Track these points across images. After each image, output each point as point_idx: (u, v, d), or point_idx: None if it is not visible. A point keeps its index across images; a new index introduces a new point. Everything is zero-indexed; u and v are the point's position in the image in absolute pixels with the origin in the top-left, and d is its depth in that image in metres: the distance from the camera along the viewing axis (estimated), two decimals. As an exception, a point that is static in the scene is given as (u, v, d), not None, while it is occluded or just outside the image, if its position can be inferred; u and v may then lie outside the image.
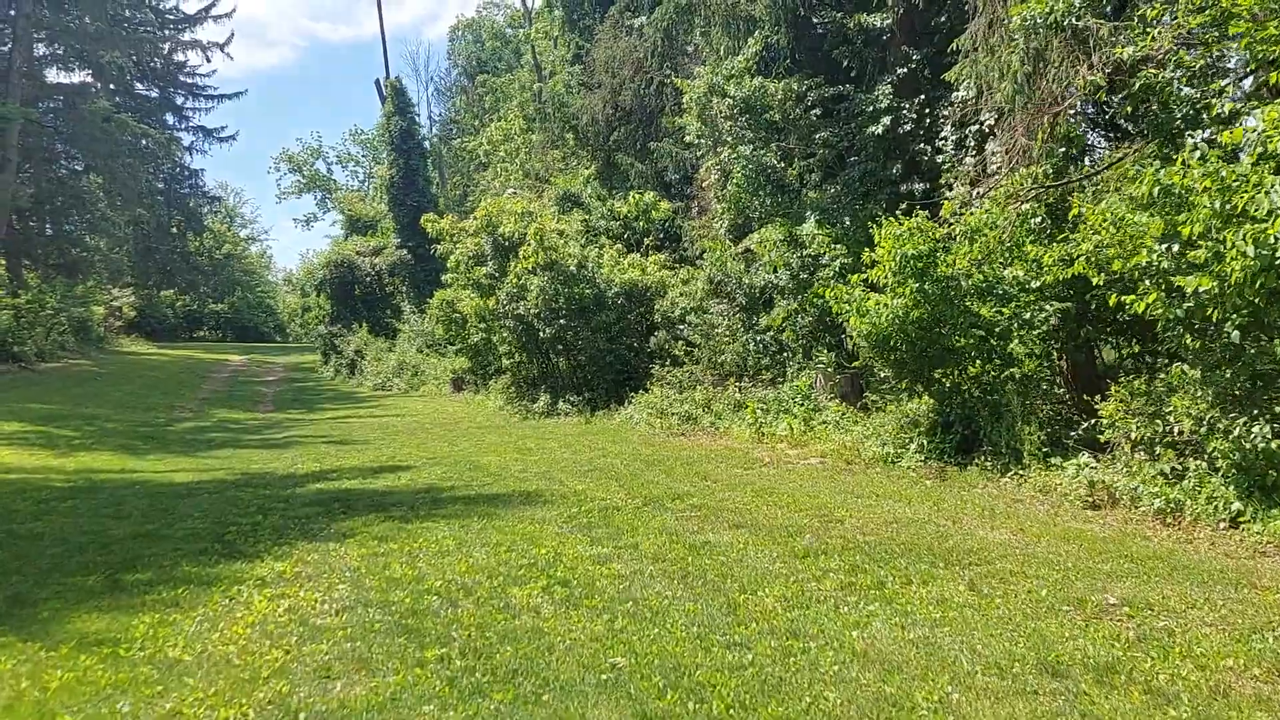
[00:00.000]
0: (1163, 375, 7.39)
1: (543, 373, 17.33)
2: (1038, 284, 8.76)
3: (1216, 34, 6.62)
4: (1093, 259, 7.33)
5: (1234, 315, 6.09)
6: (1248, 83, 7.35)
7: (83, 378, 23.67)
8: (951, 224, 9.35)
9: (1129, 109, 7.70)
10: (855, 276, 9.70)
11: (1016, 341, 8.78)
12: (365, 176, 60.15)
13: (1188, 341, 6.80)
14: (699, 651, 3.97)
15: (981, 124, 10.78)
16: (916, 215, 9.19)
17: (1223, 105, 6.52)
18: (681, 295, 15.66)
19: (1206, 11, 6.54)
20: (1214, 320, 6.17)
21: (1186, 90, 7.27)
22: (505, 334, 17.19)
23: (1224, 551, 5.61)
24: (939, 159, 12.10)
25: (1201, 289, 6.04)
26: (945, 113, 12.04)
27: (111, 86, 36.61)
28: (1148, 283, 6.76)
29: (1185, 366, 6.92)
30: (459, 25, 54.22)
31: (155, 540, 6.38)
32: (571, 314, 15.76)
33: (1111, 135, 10.88)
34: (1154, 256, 6.52)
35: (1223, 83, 6.94)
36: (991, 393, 8.84)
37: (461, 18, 60.80)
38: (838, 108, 13.89)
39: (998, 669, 3.70)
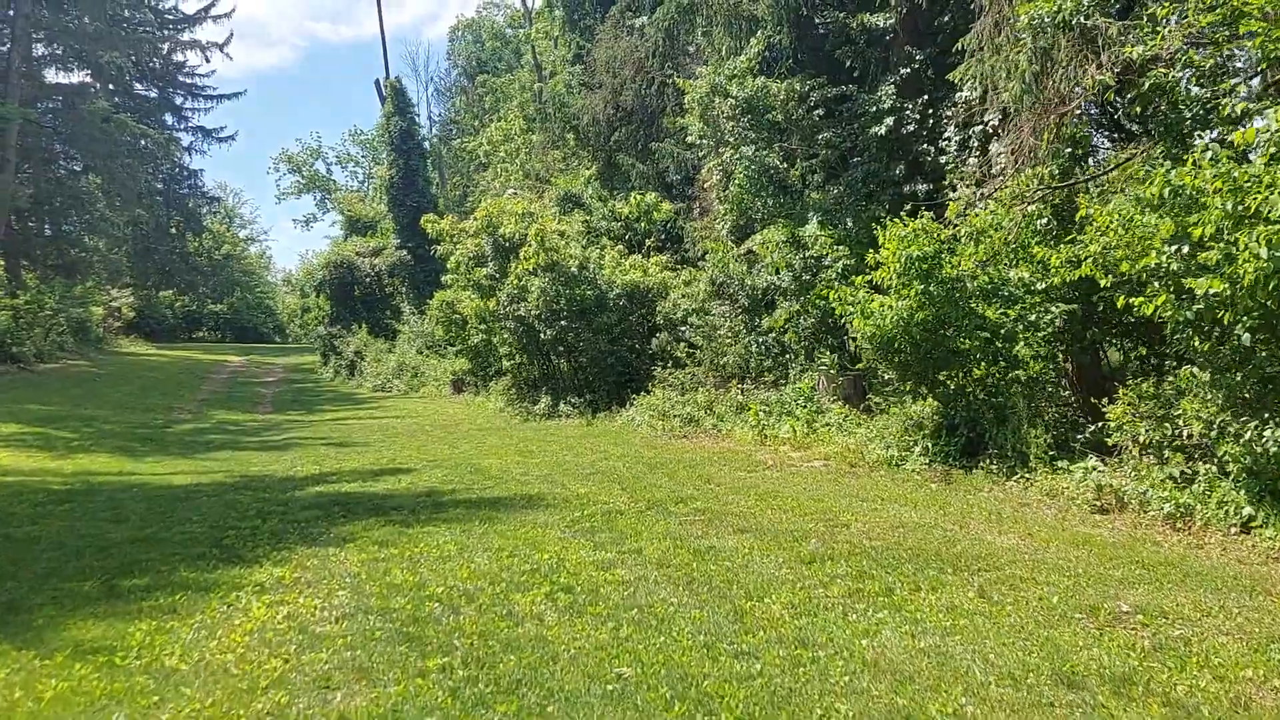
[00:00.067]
0: (1171, 378, 7.33)
1: (544, 374, 17.25)
2: (1043, 286, 8.70)
3: (1227, 33, 6.55)
4: (1100, 260, 7.25)
5: (1245, 318, 6.01)
6: (1256, 82, 7.28)
7: (81, 378, 23.59)
8: (956, 225, 9.29)
9: (1138, 109, 7.63)
10: (859, 278, 9.63)
11: (1022, 344, 8.72)
12: (365, 177, 60.09)
13: (1196, 344, 6.73)
14: (706, 661, 3.90)
15: (985, 125, 10.71)
16: (921, 216, 9.12)
17: (1234, 105, 6.44)
18: (683, 297, 15.59)
19: (1217, 10, 6.47)
20: (1225, 323, 6.09)
21: (1196, 90, 7.19)
22: (506, 335, 17.11)
23: (1236, 557, 5.54)
24: (942, 160, 12.03)
25: (1212, 291, 5.97)
26: (949, 113, 11.97)
27: (110, 87, 36.53)
28: (1157, 284, 6.69)
29: (1195, 369, 6.84)
30: (459, 25, 54.21)
31: (153, 544, 6.30)
32: (573, 315, 15.68)
33: (1116, 136, 10.81)
34: (1163, 258, 6.44)
35: (1233, 82, 6.86)
36: (997, 395, 8.77)
37: (461, 18, 60.77)
38: (840, 108, 13.82)
39: (1012, 679, 3.62)
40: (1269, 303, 5.80)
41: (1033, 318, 8.70)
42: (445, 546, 6.02)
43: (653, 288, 16.28)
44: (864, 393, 11.57)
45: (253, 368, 32.02)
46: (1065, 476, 7.60)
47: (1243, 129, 6.39)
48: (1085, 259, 7.41)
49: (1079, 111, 8.86)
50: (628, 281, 16.30)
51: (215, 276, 49.20)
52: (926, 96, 12.64)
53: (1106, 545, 5.83)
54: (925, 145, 12.64)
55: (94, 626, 4.48)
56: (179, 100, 41.57)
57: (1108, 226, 7.06)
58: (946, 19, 12.46)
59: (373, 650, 4.09)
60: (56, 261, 33.26)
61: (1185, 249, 6.27)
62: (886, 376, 10.41)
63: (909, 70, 12.80)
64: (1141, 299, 6.78)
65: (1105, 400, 7.78)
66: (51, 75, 34.15)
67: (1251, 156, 6.24)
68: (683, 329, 15.16)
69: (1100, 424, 7.84)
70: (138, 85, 40.09)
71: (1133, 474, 7.05)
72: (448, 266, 19.23)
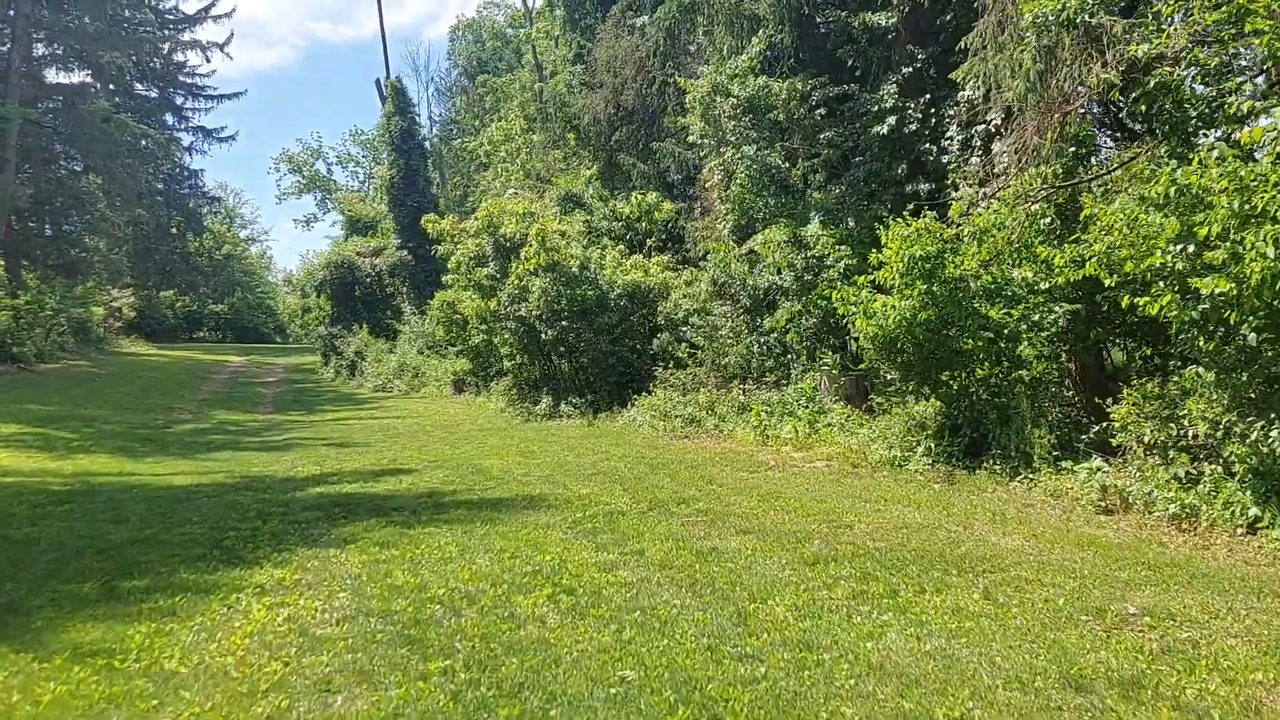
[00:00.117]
0: (1176, 378, 7.29)
1: (545, 375, 17.21)
2: (1047, 285, 8.66)
3: (1233, 31, 6.51)
4: (1104, 260, 7.22)
5: (1251, 317, 5.98)
6: (1261, 80, 7.24)
7: (82, 379, 23.57)
8: (959, 225, 9.25)
9: (1143, 108, 7.59)
10: (862, 278, 9.59)
11: (1025, 344, 8.68)
12: (365, 177, 60.05)
13: (1201, 344, 6.69)
14: (710, 664, 3.86)
15: (988, 124, 10.68)
16: (924, 216, 9.08)
17: (1240, 104, 6.40)
18: (685, 297, 15.55)
19: (1222, 8, 6.44)
20: (1231, 323, 6.06)
21: (1200, 88, 7.16)
22: (507, 335, 17.08)
23: (1243, 559, 5.50)
24: (944, 159, 12.00)
25: (1218, 291, 5.93)
26: (951, 112, 11.94)
27: (111, 87, 36.50)
28: (1162, 284, 6.66)
29: (1200, 369, 6.80)
30: (459, 25, 54.16)
31: (153, 546, 6.26)
32: (574, 315, 15.65)
33: (1118, 136, 10.78)
34: (1169, 257, 6.41)
35: (1238, 80, 6.82)
36: (1000, 395, 8.74)
37: (462, 17, 60.77)
38: (842, 107, 13.79)
39: (1019, 683, 3.59)
40: (1276, 302, 5.77)
41: (1036, 317, 8.66)
42: (447, 548, 5.98)
43: (654, 288, 16.25)
44: (866, 393, 11.54)
45: (253, 368, 32.00)
46: (1069, 477, 7.56)
47: (1248, 127, 6.36)
48: (1089, 258, 7.38)
49: (1082, 110, 8.82)
50: (629, 281, 16.26)
51: (216, 276, 49.20)
52: (929, 96, 12.60)
53: (1112, 546, 5.80)
54: (927, 145, 12.61)
55: (93, 629, 4.45)
56: (179, 100, 41.56)
57: (1112, 226, 7.03)
58: (949, 18, 12.42)
59: (374, 653, 4.06)
60: (57, 261, 33.24)
61: (1191, 248, 6.24)
62: (889, 377, 10.38)
63: (911, 69, 12.77)
64: (1146, 299, 6.74)
65: (1109, 400, 7.75)
66: (52, 75, 34.19)
67: (1257, 155, 6.20)
68: (684, 329, 15.12)
69: (1104, 424, 7.80)
70: (138, 85, 40.08)
71: (1137, 474, 7.02)
72: (448, 266, 19.20)
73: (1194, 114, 7.16)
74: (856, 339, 10.84)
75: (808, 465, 9.63)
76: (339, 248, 35.19)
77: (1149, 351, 9.01)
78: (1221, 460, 6.49)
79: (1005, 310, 8.71)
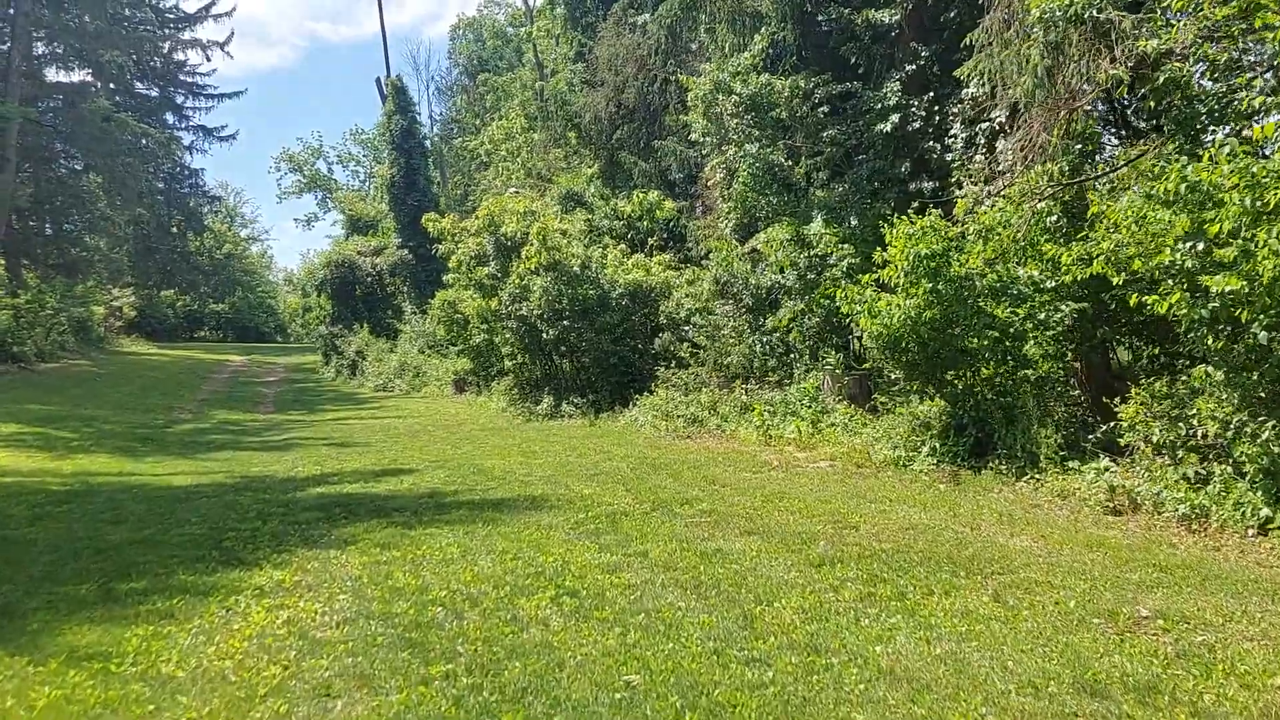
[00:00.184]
0: (1185, 377, 7.21)
1: (546, 374, 17.15)
2: (1053, 284, 8.59)
3: (1242, 26, 6.44)
4: (1112, 258, 7.14)
5: (1262, 315, 5.90)
6: (1270, 76, 7.15)
7: (82, 378, 23.52)
8: (965, 223, 9.18)
9: (1151, 104, 7.51)
10: (866, 276, 9.51)
11: (1031, 343, 8.61)
12: (366, 176, 59.96)
13: (1210, 342, 6.62)
14: (716, 668, 3.79)
15: (992, 121, 10.60)
16: (930, 214, 9.01)
17: (1251, 100, 6.32)
18: (687, 296, 15.48)
19: (1232, 3, 6.36)
20: (1242, 321, 5.98)
21: (1209, 84, 7.08)
22: (508, 335, 17.01)
23: (1255, 560, 5.43)
24: (948, 157, 11.92)
25: (1229, 289, 5.86)
26: (955, 110, 11.86)
27: (111, 85, 36.43)
28: (1171, 282, 6.58)
29: (1209, 368, 6.73)
30: (460, 24, 54.09)
31: (151, 546, 6.21)
32: (575, 315, 15.58)
33: (1122, 134, 10.70)
34: (1178, 255, 6.34)
35: (1248, 76, 6.74)
36: (1005, 395, 8.67)
37: (462, 16, 60.71)
38: (845, 105, 13.70)
39: (1032, 688, 3.52)
40: (1287, 300, 5.69)
41: (1042, 316, 8.59)
42: (448, 549, 5.92)
43: (655, 287, 16.17)
44: (869, 393, 11.46)
45: (254, 367, 31.95)
46: (1076, 477, 7.49)
47: (1258, 123, 6.29)
48: (1097, 256, 7.30)
49: (1088, 107, 8.74)
50: (630, 281, 16.19)
51: (216, 276, 49.15)
52: (932, 93, 12.52)
53: (1121, 547, 5.73)
54: (931, 142, 12.53)
55: (89, 631, 4.39)
56: (180, 99, 41.46)
57: (1119, 223, 6.95)
58: (952, 14, 12.35)
59: (374, 657, 3.99)
60: (57, 261, 33.19)
61: (1201, 246, 6.16)
62: (893, 376, 10.31)
63: (914, 67, 12.69)
64: (1155, 297, 6.67)
65: (1116, 400, 7.67)
66: (52, 74, 34.13)
67: (1267, 151, 6.13)
68: (686, 328, 15.05)
69: (1112, 424, 7.73)
70: (138, 84, 39.99)
71: (1146, 475, 6.94)
72: (449, 266, 19.12)
73: (1203, 110, 7.08)
74: (859, 338, 10.78)
75: (811, 465, 9.56)
76: (339, 247, 35.13)
77: (1156, 351, 8.92)
78: (1232, 460, 6.42)
79: (1011, 309, 8.63)
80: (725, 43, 15.09)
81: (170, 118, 41.31)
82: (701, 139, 15.57)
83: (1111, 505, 6.87)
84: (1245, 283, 5.76)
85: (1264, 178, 5.56)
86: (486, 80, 45.18)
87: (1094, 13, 7.18)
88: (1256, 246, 5.62)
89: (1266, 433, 6.04)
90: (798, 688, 3.56)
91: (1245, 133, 6.31)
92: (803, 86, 13.69)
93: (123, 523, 7.05)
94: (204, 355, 35.64)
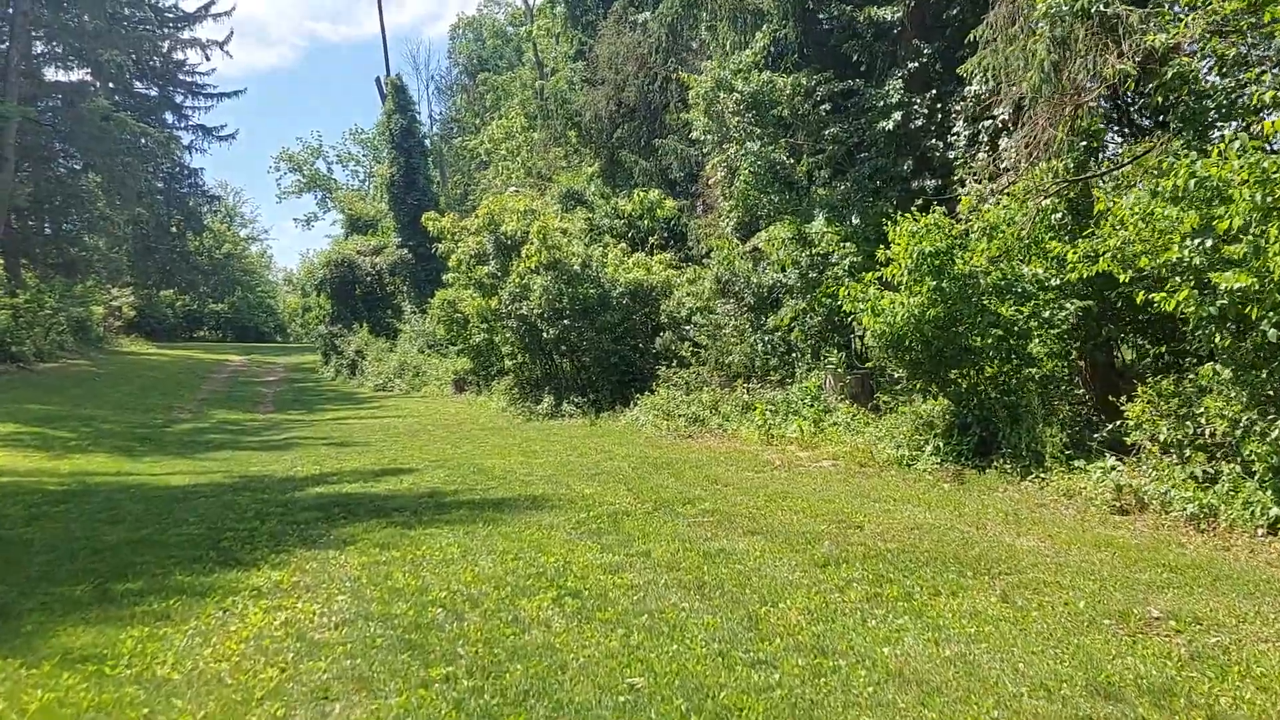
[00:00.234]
0: (1191, 375, 7.15)
1: (546, 374, 17.07)
2: (1058, 281, 8.53)
3: (1251, 20, 6.37)
4: (1119, 255, 7.08)
5: (1272, 313, 5.84)
6: (1279, 71, 7.08)
7: (81, 378, 23.44)
8: (969, 220, 9.11)
9: (1159, 99, 7.44)
10: (870, 274, 9.45)
11: (1036, 341, 8.55)
12: (366, 176, 59.90)
13: (1218, 340, 6.55)
14: (722, 670, 3.72)
15: (995, 119, 10.54)
16: (933, 211, 8.94)
17: (1262, 94, 6.25)
18: (688, 295, 15.41)
19: (1241, -3, 6.30)
20: (1252, 318, 5.91)
21: (1216, 80, 7.01)
22: (508, 334, 16.94)
23: (1265, 560, 5.36)
24: (950, 155, 11.87)
25: (1238, 286, 5.79)
26: (958, 108, 11.80)
27: (110, 85, 36.31)
28: (1178, 279, 6.52)
29: (1217, 366, 6.66)
30: (460, 24, 53.99)
31: (149, 547, 6.13)
32: (575, 314, 15.51)
33: (1125, 132, 10.64)
34: (1186, 252, 6.28)
35: (1257, 71, 6.67)
36: (1010, 393, 8.60)
37: (462, 16, 60.66)
38: (847, 103, 13.64)
39: (1045, 691, 3.45)
40: (1298, 297, 5.63)
41: (1047, 314, 8.53)
42: (448, 549, 5.85)
43: (656, 286, 16.10)
44: (871, 392, 11.40)
45: (254, 367, 31.88)
46: (1082, 476, 7.42)
47: (1267, 118, 6.22)
48: (1103, 254, 7.24)
49: (1093, 104, 8.68)
50: (631, 280, 16.12)
51: (216, 276, 49.05)
52: (935, 91, 12.46)
53: (1129, 547, 5.66)
54: (934, 140, 12.47)
55: (84, 633, 4.31)
56: (179, 99, 41.32)
57: (1126, 220, 6.89)
58: (955, 12, 12.29)
59: (373, 659, 3.92)
60: (56, 260, 33.11)
61: (1209, 242, 6.10)
62: (896, 375, 10.25)
63: (917, 64, 12.63)
64: (1162, 294, 6.61)
65: (1122, 399, 7.61)
66: (51, 73, 34.04)
67: (1278, 146, 6.06)
68: (687, 328, 14.98)
69: (1118, 423, 7.66)
70: (138, 83, 39.84)
71: (1153, 474, 6.87)
72: (449, 265, 19.05)
73: (1212, 106, 7.01)
74: (861, 337, 10.70)
75: (814, 465, 9.49)
76: (339, 246, 35.06)
77: (1162, 349, 8.85)
78: (1240, 459, 6.35)
79: (1015, 307, 8.57)
80: (726, 40, 15.03)
81: (169, 117, 41.19)
82: (703, 137, 15.50)
83: (1118, 505, 6.80)
84: (1255, 279, 5.70)
85: (1275, 173, 5.50)
86: (486, 79, 45.10)
87: (1101, 7, 7.11)
88: (1267, 243, 5.56)
89: (1276, 431, 5.99)
90: (805, 690, 3.50)
91: (1254, 128, 6.23)
92: (804, 84, 13.62)
93: (120, 523, 6.98)
94: (203, 355, 35.57)
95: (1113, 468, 7.24)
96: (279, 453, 11.78)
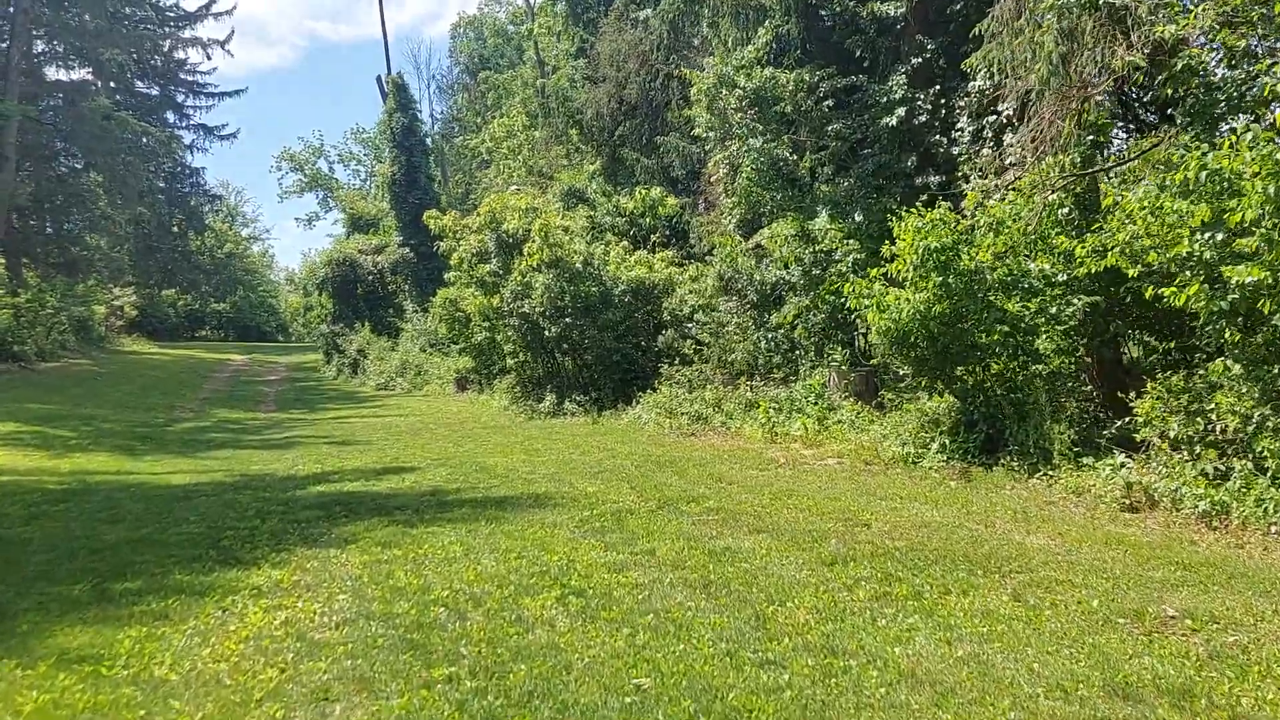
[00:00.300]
0: (1201, 371, 7.07)
1: (548, 372, 17.01)
2: (1064, 277, 8.45)
3: (1262, 11, 6.28)
4: (1127, 250, 7.00)
5: (1285, 307, 5.75)
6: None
7: (82, 377, 23.40)
8: (974, 216, 9.03)
9: (1169, 91, 7.35)
10: (874, 270, 9.37)
11: (1043, 337, 8.47)
12: (367, 175, 59.83)
13: (1228, 335, 6.47)
14: (730, 671, 3.65)
15: (1000, 114, 10.45)
16: (939, 206, 8.86)
17: (1274, 85, 6.16)
18: (691, 292, 15.33)
19: (1252, -12, 6.22)
20: (1265, 312, 5.83)
21: (1226, 72, 6.92)
22: (510, 333, 16.87)
23: (1280, 558, 5.28)
24: (955, 151, 11.78)
25: (1250, 279, 5.71)
26: (961, 103, 11.71)
27: (112, 84, 36.28)
28: (1188, 274, 6.44)
29: (1228, 361, 6.58)
30: (460, 22, 53.88)
31: (148, 546, 6.07)
32: (577, 312, 15.44)
33: (1131, 127, 10.55)
34: (1196, 245, 6.19)
35: (1268, 63, 6.58)
36: (1016, 390, 8.52)
37: (463, 15, 60.57)
38: (850, 99, 13.56)
39: (1061, 691, 3.37)
40: (1312, 291, 5.55)
41: (1053, 310, 8.45)
42: (450, 548, 5.78)
43: (658, 284, 16.03)
44: (876, 389, 11.32)
45: (255, 366, 31.84)
46: (1091, 473, 7.34)
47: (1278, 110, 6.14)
48: (1111, 248, 7.15)
49: (1100, 97, 8.59)
50: (633, 278, 16.05)
51: (218, 275, 49.00)
52: (938, 86, 12.38)
53: (1141, 545, 5.58)
54: (937, 136, 12.38)
55: (81, 633, 4.25)
56: (180, 98, 41.26)
57: (1134, 214, 6.81)
58: (958, 6, 12.21)
59: (374, 659, 3.85)
60: (58, 260, 33.07)
61: (1220, 236, 6.02)
62: (901, 372, 10.17)
63: (920, 60, 12.55)
64: (1172, 289, 6.53)
65: (1131, 395, 7.53)
66: (52, 72, 34.00)
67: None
68: (689, 325, 14.91)
69: (1126, 419, 7.58)
70: (139, 82, 39.79)
71: (1163, 470, 6.79)
72: (451, 263, 19.00)
73: (1222, 98, 6.93)
74: (865, 334, 10.63)
75: (819, 463, 9.42)
76: (341, 245, 35.01)
77: (1170, 345, 8.76)
78: (1252, 455, 6.26)
79: (1022, 303, 8.49)
80: (728, 37, 14.95)
81: (171, 116, 41.13)
82: (705, 134, 15.42)
83: (1128, 502, 6.72)
84: (1268, 273, 5.61)
85: (1288, 165, 5.41)
86: (487, 78, 44.99)
87: (1109, -2, 7.04)
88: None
89: (1289, 427, 5.90)
90: (816, 691, 3.42)
91: (1266, 121, 6.14)
92: (807, 80, 13.55)
93: (119, 522, 6.91)
94: (205, 354, 35.53)
95: (1122, 465, 7.16)
96: (280, 451, 11.72)
